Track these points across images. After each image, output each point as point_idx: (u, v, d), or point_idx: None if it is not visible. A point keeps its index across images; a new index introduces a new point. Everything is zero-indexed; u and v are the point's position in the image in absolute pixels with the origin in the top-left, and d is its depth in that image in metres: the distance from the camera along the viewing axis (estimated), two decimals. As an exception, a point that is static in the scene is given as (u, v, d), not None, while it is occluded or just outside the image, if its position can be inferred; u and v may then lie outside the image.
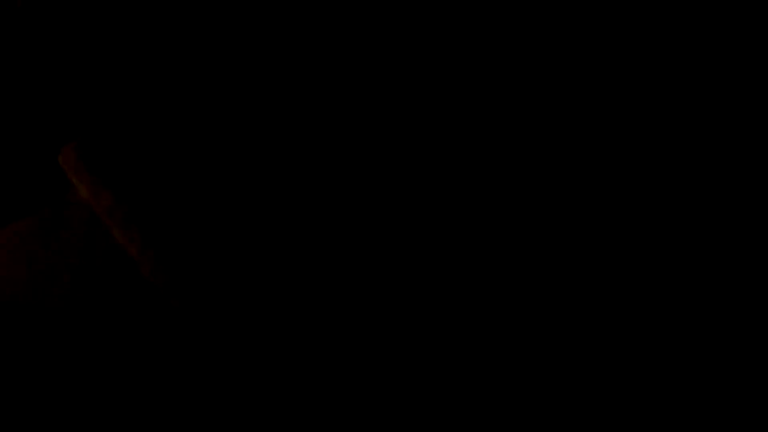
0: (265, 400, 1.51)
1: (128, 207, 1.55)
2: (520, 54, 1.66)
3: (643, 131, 1.62)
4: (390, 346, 1.53)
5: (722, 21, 1.62)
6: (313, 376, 1.51)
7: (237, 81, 1.68)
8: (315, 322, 1.54)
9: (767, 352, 1.51)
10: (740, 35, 1.62)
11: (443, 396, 1.51)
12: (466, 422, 1.51)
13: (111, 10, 1.69)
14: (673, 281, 1.56)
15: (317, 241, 1.59)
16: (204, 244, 1.57)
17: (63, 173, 1.67)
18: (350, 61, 1.67)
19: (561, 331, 1.54)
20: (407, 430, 1.50)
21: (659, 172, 1.61)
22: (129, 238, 1.54)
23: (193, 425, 1.51)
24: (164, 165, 1.61)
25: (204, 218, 1.58)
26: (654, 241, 1.58)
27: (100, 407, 1.51)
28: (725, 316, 1.54)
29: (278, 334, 1.53)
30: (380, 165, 1.62)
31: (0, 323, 1.56)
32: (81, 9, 1.68)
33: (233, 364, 1.52)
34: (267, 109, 1.67)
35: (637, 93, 1.64)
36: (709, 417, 1.49)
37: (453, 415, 1.51)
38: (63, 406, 1.51)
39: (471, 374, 1.52)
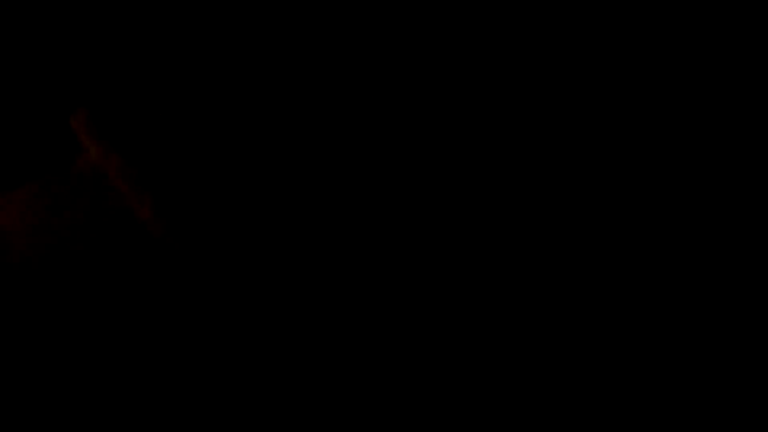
0: (266, 391, 1.52)
1: (139, 169, 1.56)
2: (519, 54, 1.65)
3: (642, 131, 1.62)
4: (390, 345, 1.54)
5: (722, 21, 1.62)
6: (313, 373, 1.52)
7: (246, 49, 1.68)
8: (315, 306, 1.55)
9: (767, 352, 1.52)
10: (740, 35, 1.62)
11: (443, 396, 1.52)
12: (466, 422, 1.52)
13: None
14: (673, 281, 1.56)
15: (318, 215, 1.59)
16: (215, 205, 1.58)
17: (73, 138, 1.68)
18: (356, 61, 1.67)
19: (561, 331, 1.55)
20: (407, 430, 1.52)
21: (659, 172, 1.60)
22: (140, 200, 1.55)
23: (197, 402, 1.52)
24: (175, 127, 1.61)
25: (215, 179, 1.59)
26: (654, 241, 1.58)
27: (110, 374, 1.53)
28: (725, 316, 1.54)
29: (282, 310, 1.55)
30: (384, 163, 1.63)
31: (13, 288, 1.58)
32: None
33: (237, 341, 1.53)
34: (272, 79, 1.68)
35: (637, 93, 1.64)
36: (709, 417, 1.50)
37: (453, 415, 1.52)
38: (75, 368, 1.53)
39: (471, 374, 1.53)
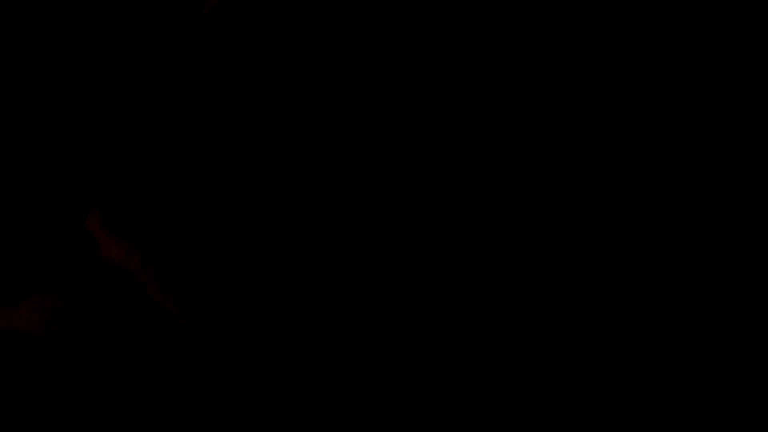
0: (266, 400, 1.52)
1: (160, 263, 1.58)
2: (519, 54, 1.68)
3: (642, 132, 1.64)
4: (390, 346, 1.54)
5: (722, 21, 1.64)
6: (313, 377, 1.52)
7: (258, 131, 1.70)
8: (318, 326, 1.55)
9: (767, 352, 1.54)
10: (740, 35, 1.64)
11: (443, 396, 1.53)
12: (466, 422, 1.55)
13: (132, 70, 1.71)
14: (673, 281, 1.59)
15: (332, 263, 1.61)
16: (241, 295, 1.60)
17: (91, 238, 1.70)
18: (351, 61, 1.67)
19: (561, 331, 1.56)
20: (407, 430, 1.55)
21: (659, 173, 1.62)
22: (163, 295, 1.58)
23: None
24: (193, 219, 1.63)
25: (238, 269, 1.61)
26: (654, 242, 1.60)
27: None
28: (725, 316, 1.56)
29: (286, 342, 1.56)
30: (381, 164, 1.63)
31: (43, 393, 1.57)
32: (102, 73, 1.71)
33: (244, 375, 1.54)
34: (283, 151, 1.69)
35: (637, 93, 1.64)
36: (709, 417, 1.54)
37: (453, 415, 1.55)
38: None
39: (471, 374, 1.54)
